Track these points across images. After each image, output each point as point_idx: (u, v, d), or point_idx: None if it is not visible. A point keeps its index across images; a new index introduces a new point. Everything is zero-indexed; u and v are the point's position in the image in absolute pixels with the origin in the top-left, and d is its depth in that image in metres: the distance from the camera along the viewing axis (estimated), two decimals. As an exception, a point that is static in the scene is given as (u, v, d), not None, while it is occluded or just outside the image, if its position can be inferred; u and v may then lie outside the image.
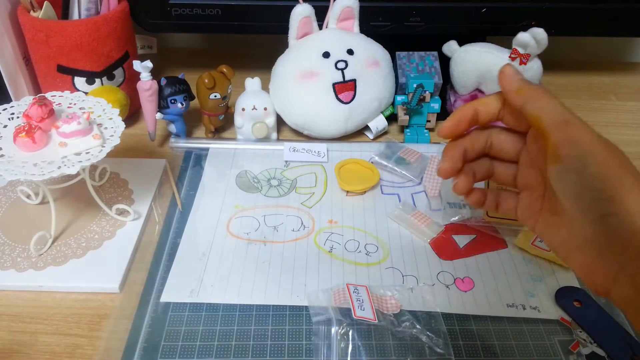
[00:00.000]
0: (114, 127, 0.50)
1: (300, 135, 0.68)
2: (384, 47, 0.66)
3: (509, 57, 0.62)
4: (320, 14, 0.63)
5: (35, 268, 0.48)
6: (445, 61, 0.67)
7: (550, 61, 0.65)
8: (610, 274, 0.29)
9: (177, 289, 0.47)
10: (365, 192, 0.59)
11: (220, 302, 0.46)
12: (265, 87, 0.65)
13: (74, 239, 0.51)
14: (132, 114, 0.70)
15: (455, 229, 0.54)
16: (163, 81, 0.62)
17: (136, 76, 0.61)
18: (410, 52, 0.67)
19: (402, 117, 0.67)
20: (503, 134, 0.36)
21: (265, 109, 0.63)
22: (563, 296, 0.46)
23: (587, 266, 0.30)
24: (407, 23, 0.68)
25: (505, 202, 0.37)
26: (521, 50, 0.61)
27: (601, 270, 0.29)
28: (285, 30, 0.64)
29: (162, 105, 0.62)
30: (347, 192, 0.59)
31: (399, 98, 0.66)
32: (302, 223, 0.54)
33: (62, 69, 0.63)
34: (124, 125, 0.50)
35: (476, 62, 0.64)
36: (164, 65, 0.83)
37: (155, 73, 0.60)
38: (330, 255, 0.51)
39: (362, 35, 0.65)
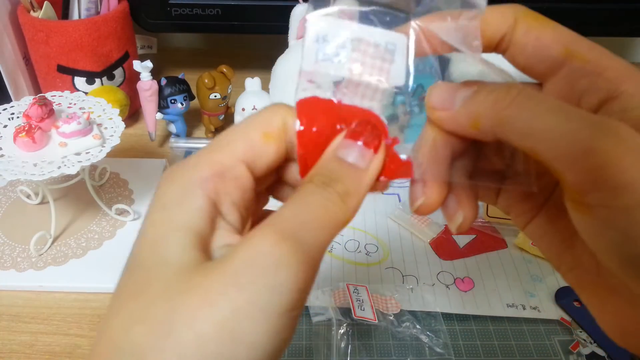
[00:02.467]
0: (114, 127, 0.50)
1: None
2: (384, 47, 0.66)
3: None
4: (320, 14, 0.63)
5: (35, 268, 0.48)
6: (445, 61, 0.67)
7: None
8: (603, 239, 0.19)
9: (177, 289, 0.47)
10: (365, 192, 0.59)
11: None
12: (265, 87, 0.65)
13: (74, 239, 0.51)
14: (132, 114, 0.70)
15: (455, 229, 0.54)
16: (163, 81, 0.62)
17: (136, 76, 0.61)
18: (410, 52, 0.67)
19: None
20: None
21: (265, 109, 0.63)
22: (563, 296, 0.46)
23: (617, 312, 0.22)
24: (407, 23, 0.68)
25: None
26: (521, 50, 0.61)
27: (637, 320, 0.21)
28: (285, 30, 0.64)
29: (162, 105, 0.62)
30: (347, 192, 0.58)
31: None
32: (302, 223, 0.54)
33: (62, 69, 0.63)
34: (124, 125, 0.50)
35: (476, 62, 0.64)
36: (164, 65, 0.83)
37: (155, 73, 0.60)
38: (330, 255, 0.51)
39: (362, 35, 0.65)
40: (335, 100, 0.24)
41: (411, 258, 0.51)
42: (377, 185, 0.24)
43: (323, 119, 0.23)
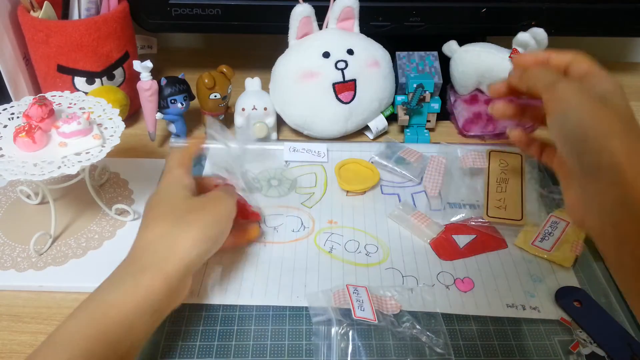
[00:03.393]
0: (114, 127, 0.50)
1: (300, 135, 0.68)
2: (384, 47, 0.66)
3: (509, 57, 0.62)
4: (320, 14, 0.63)
5: (35, 268, 0.48)
6: (445, 61, 0.67)
7: (550, 61, 0.65)
8: (586, 207, 0.36)
9: (177, 289, 0.47)
10: (365, 192, 0.59)
11: (220, 303, 0.46)
12: (265, 87, 0.65)
13: (74, 239, 0.51)
14: (132, 114, 0.70)
15: (455, 229, 0.54)
16: (163, 81, 0.62)
17: (136, 76, 0.61)
18: (410, 52, 0.67)
19: (402, 117, 0.67)
20: None
21: (265, 109, 0.63)
22: (563, 296, 0.46)
23: (570, 199, 0.38)
24: (407, 23, 0.68)
25: (547, 154, 0.45)
26: (521, 50, 0.61)
27: (579, 203, 0.37)
28: (285, 30, 0.64)
29: (162, 105, 0.62)
30: (347, 192, 0.59)
31: (399, 98, 0.66)
32: (302, 223, 0.54)
33: (62, 69, 0.63)
34: (124, 125, 0.50)
35: (476, 62, 0.64)
36: (164, 65, 0.83)
37: (155, 73, 0.60)
38: (330, 255, 0.51)
39: (362, 35, 0.65)
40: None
41: (411, 258, 0.51)
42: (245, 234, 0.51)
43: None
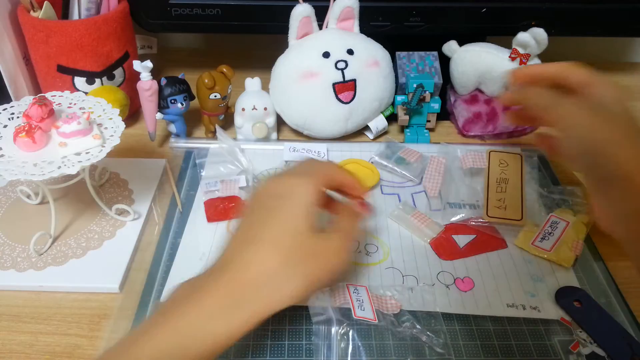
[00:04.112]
0: (114, 127, 0.50)
1: (300, 135, 0.68)
2: (384, 47, 0.66)
3: (509, 57, 0.62)
4: (320, 14, 0.63)
5: (35, 268, 0.48)
6: (445, 61, 0.67)
7: (550, 61, 0.65)
8: (611, 216, 0.37)
9: (177, 289, 0.47)
10: (365, 192, 0.59)
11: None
12: (265, 87, 0.65)
13: (74, 239, 0.51)
14: (132, 114, 0.70)
15: (455, 229, 0.54)
16: (163, 81, 0.62)
17: (136, 76, 0.61)
18: (410, 52, 0.67)
19: (402, 117, 0.67)
20: None
21: (265, 109, 0.63)
22: (563, 296, 0.46)
23: (597, 208, 0.38)
24: (407, 23, 0.68)
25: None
26: (521, 50, 0.61)
27: (605, 212, 0.37)
28: (285, 30, 0.64)
29: (162, 105, 0.62)
30: (347, 192, 0.59)
31: (399, 98, 0.66)
32: (302, 223, 0.54)
33: (62, 69, 0.63)
34: (124, 125, 0.50)
35: (476, 62, 0.64)
36: (164, 65, 0.83)
37: (155, 73, 0.60)
38: (330, 255, 0.51)
39: (362, 35, 0.65)
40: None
41: (411, 258, 0.51)
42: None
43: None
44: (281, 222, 0.38)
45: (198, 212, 0.56)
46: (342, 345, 0.42)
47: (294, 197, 0.39)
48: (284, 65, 0.64)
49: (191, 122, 0.68)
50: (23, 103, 0.51)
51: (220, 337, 0.34)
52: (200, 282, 0.36)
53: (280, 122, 0.67)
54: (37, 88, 0.69)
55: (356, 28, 0.65)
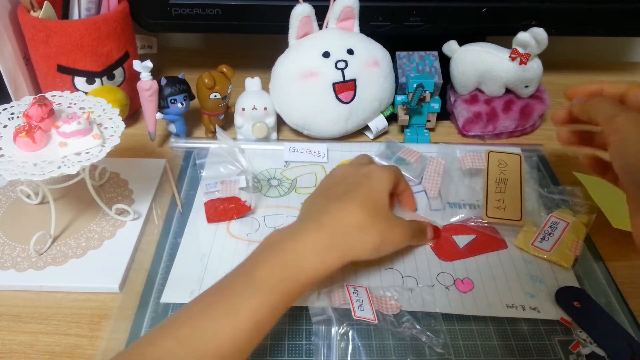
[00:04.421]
0: (114, 127, 0.50)
1: (300, 135, 0.68)
2: (384, 47, 0.66)
3: (509, 57, 0.62)
4: (320, 14, 0.63)
5: (35, 268, 0.48)
6: (445, 61, 0.67)
7: (550, 61, 0.65)
8: None
9: (177, 290, 0.47)
10: (365, 192, 0.59)
11: (220, 302, 0.46)
12: (265, 87, 0.65)
13: (74, 239, 0.51)
14: (132, 114, 0.70)
15: (455, 229, 0.54)
16: (163, 81, 0.62)
17: (136, 76, 0.61)
18: (410, 52, 0.67)
19: (402, 117, 0.67)
20: None
21: (265, 109, 0.63)
22: (563, 296, 0.46)
23: (637, 226, 0.36)
24: (407, 23, 0.68)
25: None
26: (521, 50, 0.61)
27: None
28: (285, 30, 0.64)
29: (162, 105, 0.62)
30: (347, 192, 0.59)
31: (399, 98, 0.66)
32: (302, 223, 0.54)
33: (62, 69, 0.63)
34: (124, 125, 0.50)
35: (476, 62, 0.64)
36: (164, 65, 0.83)
37: (155, 73, 0.60)
38: (330, 255, 0.51)
39: (362, 35, 0.65)
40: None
41: (411, 259, 0.51)
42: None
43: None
44: (367, 191, 0.46)
45: (198, 212, 0.56)
46: (342, 345, 0.42)
47: (376, 179, 0.48)
48: (284, 65, 0.64)
49: (191, 122, 0.68)
50: (23, 103, 0.51)
51: (313, 272, 0.41)
52: (295, 229, 0.43)
53: (280, 122, 0.67)
54: (37, 88, 0.69)
55: (356, 28, 0.65)
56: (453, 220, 0.55)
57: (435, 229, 0.52)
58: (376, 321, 0.43)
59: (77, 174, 0.48)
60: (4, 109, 0.51)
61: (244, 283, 0.39)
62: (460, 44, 0.67)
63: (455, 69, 0.67)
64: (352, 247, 0.43)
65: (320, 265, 0.41)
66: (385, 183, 0.48)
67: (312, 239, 0.42)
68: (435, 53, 0.67)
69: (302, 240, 0.42)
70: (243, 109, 0.63)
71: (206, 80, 0.61)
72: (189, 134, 0.68)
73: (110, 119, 0.51)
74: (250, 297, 0.38)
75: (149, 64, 0.59)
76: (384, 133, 0.69)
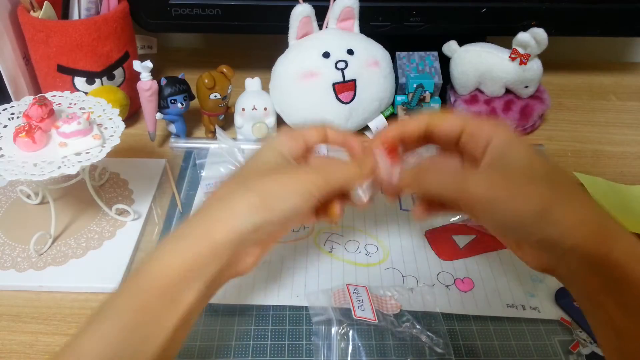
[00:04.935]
0: (114, 127, 0.50)
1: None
2: (384, 47, 0.66)
3: (509, 57, 0.62)
4: (320, 14, 0.63)
5: (35, 268, 0.48)
6: (445, 61, 0.67)
7: (550, 61, 0.65)
8: (552, 262, 0.33)
9: (177, 289, 0.47)
10: (365, 192, 0.59)
11: (220, 303, 0.46)
12: (265, 87, 0.65)
13: (74, 239, 0.51)
14: (132, 114, 0.70)
15: (455, 229, 0.54)
16: (163, 81, 0.62)
17: (136, 76, 0.61)
18: (410, 52, 0.67)
19: (402, 117, 0.67)
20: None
21: (265, 109, 0.63)
22: (563, 296, 0.46)
23: (532, 255, 0.34)
24: (407, 23, 0.68)
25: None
26: (521, 50, 0.61)
27: (544, 259, 0.33)
28: (285, 30, 0.64)
29: (162, 105, 0.62)
30: (347, 192, 0.59)
31: (399, 98, 0.66)
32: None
33: (62, 69, 0.63)
34: (124, 125, 0.50)
35: (476, 62, 0.64)
36: (164, 65, 0.83)
37: (155, 73, 0.60)
38: (330, 255, 0.51)
39: (362, 35, 0.65)
40: None
41: (411, 258, 0.51)
42: None
43: None
44: (247, 163, 0.38)
45: (198, 212, 0.56)
46: (342, 345, 0.42)
47: (266, 141, 0.39)
48: (284, 65, 0.64)
49: (191, 122, 0.68)
50: (23, 103, 0.51)
51: (170, 273, 0.32)
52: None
53: (280, 122, 0.67)
54: (37, 88, 0.69)
55: (356, 28, 0.65)
56: (453, 220, 0.55)
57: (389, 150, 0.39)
58: (376, 321, 0.43)
59: (77, 174, 0.48)
60: (4, 109, 0.51)
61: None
62: (460, 44, 0.67)
63: (455, 69, 0.67)
64: (216, 220, 0.33)
65: (174, 256, 0.32)
66: (278, 145, 0.38)
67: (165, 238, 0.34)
68: (435, 53, 0.67)
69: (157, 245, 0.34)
70: (243, 109, 0.63)
71: (206, 81, 0.61)
72: (189, 134, 0.68)
73: (110, 119, 0.51)
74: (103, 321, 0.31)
75: (149, 64, 0.59)
76: (384, 133, 0.69)
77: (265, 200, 0.34)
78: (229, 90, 0.64)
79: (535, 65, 0.63)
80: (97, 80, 0.65)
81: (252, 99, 0.63)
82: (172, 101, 0.62)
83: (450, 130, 0.36)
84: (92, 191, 0.52)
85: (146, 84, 0.60)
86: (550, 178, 0.32)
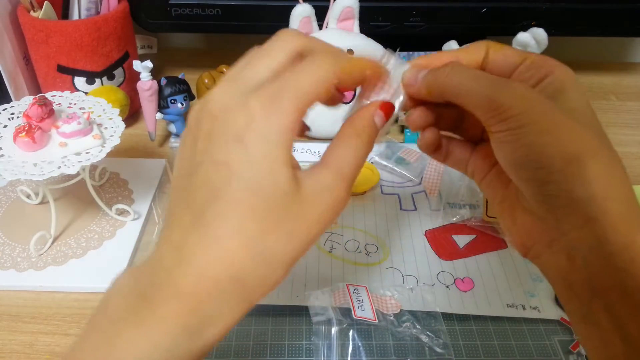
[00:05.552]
0: (114, 127, 0.50)
1: (300, 135, 0.68)
2: (384, 47, 0.66)
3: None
4: (320, 14, 0.63)
5: (35, 268, 0.48)
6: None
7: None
8: (545, 239, 0.28)
9: (177, 289, 0.47)
10: (365, 192, 0.59)
11: (220, 302, 0.46)
12: (265, 87, 0.65)
13: (74, 239, 0.51)
14: (132, 114, 0.70)
15: (455, 229, 0.54)
16: (163, 81, 0.62)
17: (136, 76, 0.61)
18: (410, 52, 0.67)
19: (402, 117, 0.67)
20: None
21: (265, 109, 0.63)
22: (563, 296, 0.46)
23: (523, 226, 0.29)
24: (407, 23, 0.68)
25: (455, 152, 0.34)
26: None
27: (537, 233, 0.28)
28: (285, 30, 0.64)
29: (162, 105, 0.62)
30: (347, 192, 0.59)
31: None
32: (302, 223, 0.54)
33: (62, 69, 0.63)
34: (124, 125, 0.50)
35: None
36: (164, 65, 0.83)
37: (155, 73, 0.60)
38: (330, 255, 0.51)
39: (362, 35, 0.65)
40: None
41: (411, 258, 0.51)
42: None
43: None
44: (248, 177, 0.24)
45: (198, 212, 0.56)
46: (342, 345, 0.42)
47: (258, 138, 0.25)
48: (284, 65, 0.64)
49: (191, 122, 0.68)
50: (23, 103, 0.51)
51: None
52: (132, 303, 0.26)
53: (280, 122, 0.67)
54: (37, 88, 0.69)
55: (356, 28, 0.65)
56: (453, 220, 0.55)
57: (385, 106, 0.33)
58: (376, 321, 0.43)
59: (77, 174, 0.48)
60: (4, 109, 0.51)
61: None
62: (460, 44, 0.67)
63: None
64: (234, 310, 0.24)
65: None
66: (275, 141, 0.25)
67: (157, 326, 0.23)
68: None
69: (136, 328, 0.23)
70: (243, 109, 0.63)
71: (206, 80, 0.61)
72: (189, 134, 0.68)
73: (110, 119, 0.51)
74: None
75: (149, 64, 0.59)
76: (384, 133, 0.69)
77: (305, 244, 0.25)
78: (229, 90, 0.64)
79: (535, 65, 0.63)
80: (97, 80, 0.65)
81: (252, 99, 0.63)
82: (172, 101, 0.62)
83: (512, 55, 0.30)
84: (92, 191, 0.52)
85: (146, 84, 0.60)
86: (601, 134, 0.27)
